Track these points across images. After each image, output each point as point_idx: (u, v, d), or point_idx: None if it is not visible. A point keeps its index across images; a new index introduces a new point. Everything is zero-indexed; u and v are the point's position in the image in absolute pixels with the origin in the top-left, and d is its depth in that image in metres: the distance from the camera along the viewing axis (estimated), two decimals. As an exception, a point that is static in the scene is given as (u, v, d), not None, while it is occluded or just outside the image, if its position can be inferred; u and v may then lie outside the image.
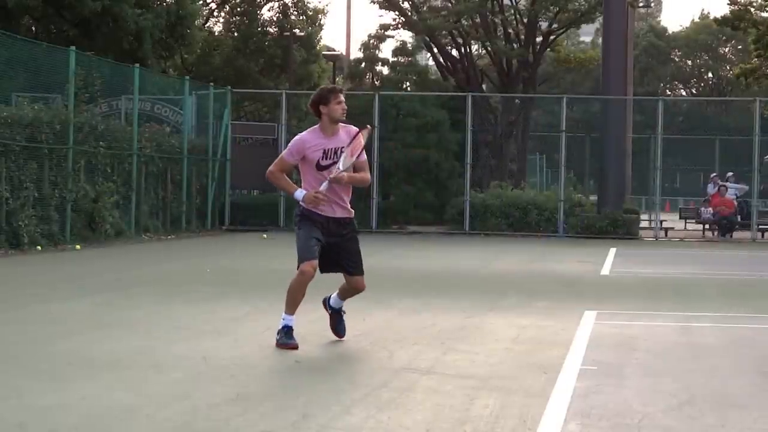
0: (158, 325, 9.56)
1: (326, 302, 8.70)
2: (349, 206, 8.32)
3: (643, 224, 30.11)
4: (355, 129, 8.26)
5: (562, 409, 6.17)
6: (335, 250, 8.22)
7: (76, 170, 20.16)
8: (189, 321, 9.89)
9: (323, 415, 5.93)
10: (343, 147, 8.10)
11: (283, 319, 8.13)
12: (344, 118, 8.17)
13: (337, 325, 8.64)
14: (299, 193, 8.14)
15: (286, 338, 8.09)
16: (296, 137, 8.29)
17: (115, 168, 21.92)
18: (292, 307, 8.11)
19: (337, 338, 8.60)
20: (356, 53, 39.75)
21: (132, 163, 22.65)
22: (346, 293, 8.56)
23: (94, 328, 9.29)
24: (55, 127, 19.36)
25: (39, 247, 18.39)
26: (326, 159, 8.11)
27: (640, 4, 44.33)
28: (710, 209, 29.39)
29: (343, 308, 8.67)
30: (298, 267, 8.09)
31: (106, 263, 16.80)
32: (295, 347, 8.00)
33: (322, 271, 8.34)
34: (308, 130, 8.33)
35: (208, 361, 7.56)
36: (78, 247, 19.33)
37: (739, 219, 29.34)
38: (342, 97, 8.15)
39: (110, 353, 7.85)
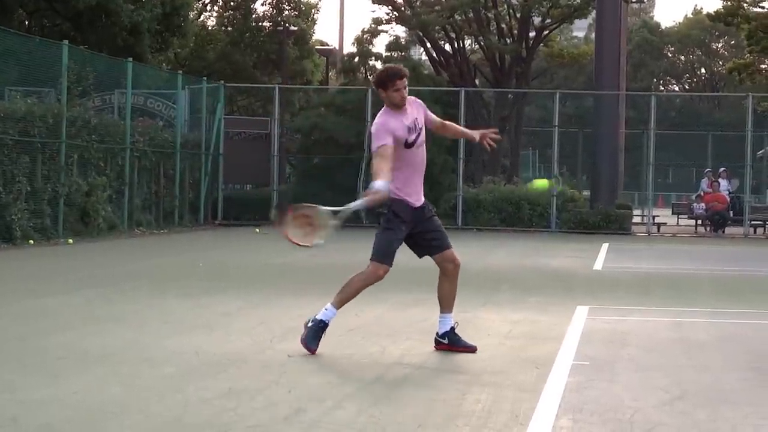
0: (151, 320, 9.56)
1: (440, 338, 8.08)
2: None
3: (636, 219, 30.13)
4: (417, 101, 7.88)
5: (554, 404, 6.17)
6: (421, 235, 7.92)
7: (68, 164, 20.13)
8: (181, 315, 9.89)
9: (315, 409, 5.93)
10: (417, 118, 7.75)
11: (326, 310, 7.67)
12: (404, 104, 7.73)
13: (459, 343, 8.00)
14: (381, 184, 7.50)
15: (310, 338, 7.64)
16: (377, 123, 7.68)
17: (108, 162, 21.90)
18: (342, 301, 7.69)
19: (473, 352, 7.93)
20: (349, 48, 39.76)
21: (125, 158, 22.63)
22: (443, 295, 8.09)
23: (87, 323, 9.29)
24: (48, 122, 19.33)
25: (31, 242, 18.37)
26: (411, 134, 7.72)
27: (633, 0, 44.42)
28: (703, 205, 29.44)
29: (453, 323, 8.06)
30: (371, 264, 7.73)
31: (98, 258, 16.78)
32: (312, 352, 7.60)
33: (420, 255, 8.12)
34: (380, 114, 7.79)
35: (201, 356, 7.56)
36: (70, 241, 19.31)
37: (731, 215, 29.39)
38: (401, 84, 7.66)
39: (103, 347, 7.85)
